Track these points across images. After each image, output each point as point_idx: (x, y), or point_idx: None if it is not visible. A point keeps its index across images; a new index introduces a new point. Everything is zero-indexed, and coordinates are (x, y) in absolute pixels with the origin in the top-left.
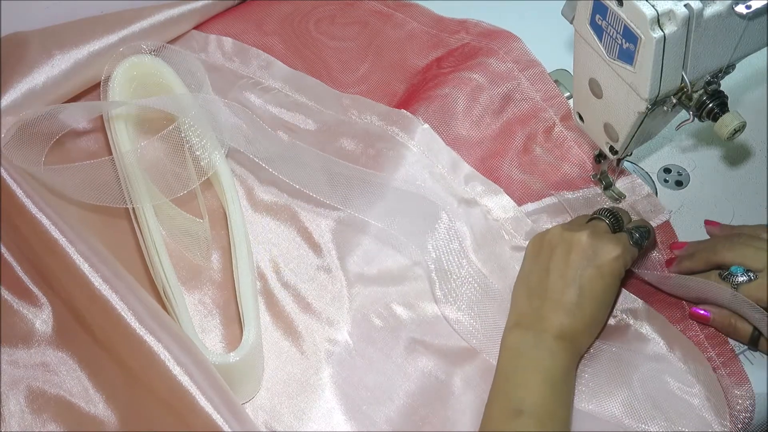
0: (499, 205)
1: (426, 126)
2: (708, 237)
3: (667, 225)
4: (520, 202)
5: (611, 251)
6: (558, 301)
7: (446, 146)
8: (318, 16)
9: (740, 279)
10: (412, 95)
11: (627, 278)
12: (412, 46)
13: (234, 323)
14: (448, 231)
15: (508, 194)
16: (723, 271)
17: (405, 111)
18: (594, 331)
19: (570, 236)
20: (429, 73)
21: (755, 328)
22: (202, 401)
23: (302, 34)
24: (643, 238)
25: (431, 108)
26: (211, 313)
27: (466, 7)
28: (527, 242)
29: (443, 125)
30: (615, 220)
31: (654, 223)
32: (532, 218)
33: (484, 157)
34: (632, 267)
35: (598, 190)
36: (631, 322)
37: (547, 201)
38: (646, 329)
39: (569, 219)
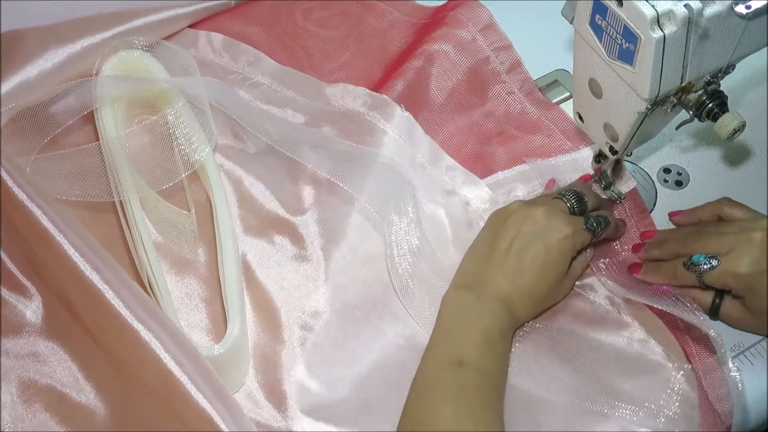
0: (478, 195)
1: (407, 114)
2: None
3: (642, 209)
4: (490, 172)
5: (561, 230)
6: (500, 266)
7: (426, 135)
8: (302, 7)
9: (704, 267)
10: (388, 74)
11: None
12: (394, 34)
13: (220, 317)
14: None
15: (479, 168)
16: (687, 260)
17: (386, 96)
18: (530, 301)
19: (526, 209)
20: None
21: (715, 298)
22: (193, 390)
23: (285, 25)
24: (598, 225)
25: (405, 85)
26: (197, 307)
27: None
28: None
29: (418, 103)
30: (577, 202)
31: (623, 190)
32: (504, 186)
33: (455, 133)
34: (601, 275)
35: (571, 156)
36: (610, 308)
37: (518, 168)
38: (624, 315)
39: (539, 185)
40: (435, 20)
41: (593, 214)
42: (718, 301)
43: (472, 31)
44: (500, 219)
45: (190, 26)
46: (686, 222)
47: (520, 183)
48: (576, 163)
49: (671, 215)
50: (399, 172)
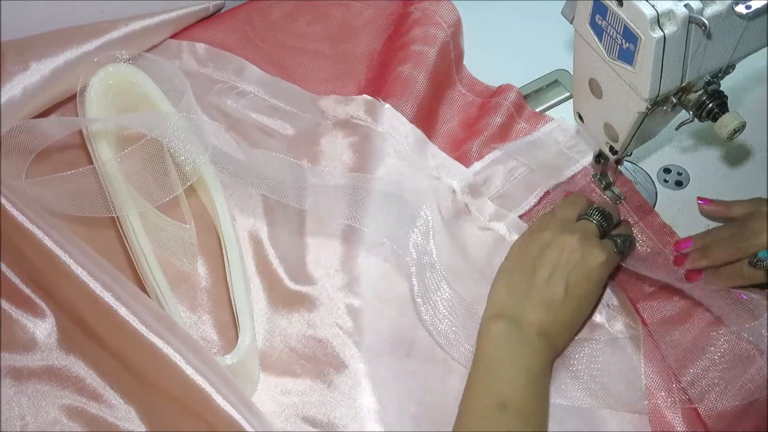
0: (464, 184)
1: (387, 106)
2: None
3: (646, 207)
4: (467, 164)
5: (598, 257)
6: (542, 297)
7: (410, 124)
8: (276, 14)
9: None
10: (374, 78)
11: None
12: (372, 30)
13: (225, 328)
14: (426, 232)
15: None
16: (752, 258)
17: (366, 95)
18: (570, 332)
19: (562, 239)
20: (385, 53)
21: None
22: (219, 399)
23: (261, 32)
24: (624, 246)
25: (392, 89)
26: (201, 319)
27: (467, 7)
28: (491, 222)
29: (404, 103)
30: (605, 220)
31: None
32: (483, 174)
33: (443, 133)
34: (654, 276)
35: (539, 133)
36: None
37: (491, 156)
38: (616, 311)
39: (517, 163)
40: (409, 18)
41: (616, 234)
42: None
43: (445, 27)
44: (534, 247)
45: (171, 38)
46: (719, 216)
47: (499, 165)
48: (539, 141)
49: (700, 200)
50: (401, 195)
